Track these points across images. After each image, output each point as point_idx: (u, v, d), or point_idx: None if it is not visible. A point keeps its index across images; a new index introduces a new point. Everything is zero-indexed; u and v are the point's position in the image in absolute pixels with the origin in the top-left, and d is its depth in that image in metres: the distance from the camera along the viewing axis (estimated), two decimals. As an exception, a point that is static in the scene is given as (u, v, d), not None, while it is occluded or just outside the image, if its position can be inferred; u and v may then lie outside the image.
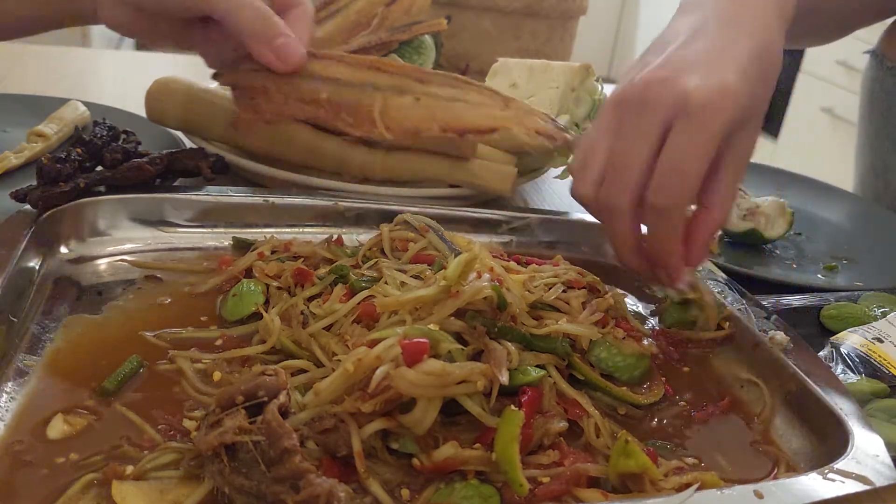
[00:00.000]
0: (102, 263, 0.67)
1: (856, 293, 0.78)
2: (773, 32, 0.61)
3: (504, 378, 0.49)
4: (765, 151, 3.78)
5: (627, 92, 0.58)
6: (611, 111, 0.59)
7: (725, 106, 0.54)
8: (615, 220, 0.59)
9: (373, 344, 0.48)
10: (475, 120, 0.77)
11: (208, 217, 0.72)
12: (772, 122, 3.87)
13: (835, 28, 0.80)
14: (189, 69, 1.03)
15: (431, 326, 0.51)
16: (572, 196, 0.62)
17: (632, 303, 0.73)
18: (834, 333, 0.69)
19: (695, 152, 0.55)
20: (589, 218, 0.81)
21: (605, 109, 0.60)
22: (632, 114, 0.57)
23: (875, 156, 1.17)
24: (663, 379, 0.60)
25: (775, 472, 0.53)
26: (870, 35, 1.17)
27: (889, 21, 1.09)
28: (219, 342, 0.59)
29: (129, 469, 0.45)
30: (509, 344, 0.53)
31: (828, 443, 0.53)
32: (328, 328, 0.58)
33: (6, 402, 0.49)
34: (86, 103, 0.96)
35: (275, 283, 0.63)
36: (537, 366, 0.54)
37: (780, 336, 0.62)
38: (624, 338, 0.59)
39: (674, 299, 0.66)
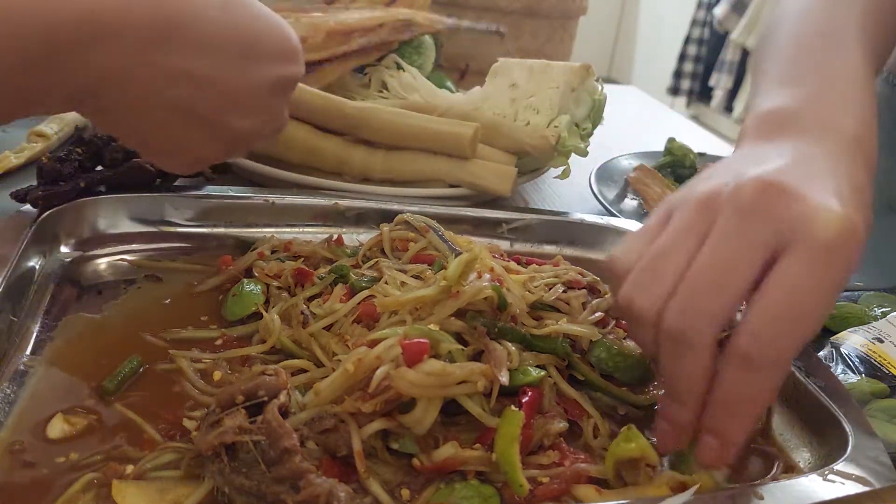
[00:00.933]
0: (102, 263, 0.67)
1: (856, 293, 0.78)
2: (870, 177, 0.52)
3: (504, 378, 0.49)
4: (765, 151, 3.78)
5: (735, 194, 0.44)
6: (695, 211, 0.45)
7: (853, 247, 0.44)
8: (692, 356, 0.44)
9: (373, 344, 0.48)
10: (358, 23, 0.77)
11: (208, 217, 0.72)
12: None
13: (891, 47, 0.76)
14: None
15: (432, 326, 0.51)
16: (625, 307, 0.47)
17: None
18: (834, 333, 0.69)
19: (819, 291, 0.42)
20: (589, 218, 0.82)
21: (684, 209, 0.46)
22: (739, 220, 0.43)
23: (879, 171, 1.16)
24: (663, 379, 0.59)
25: (775, 472, 0.53)
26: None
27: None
28: (219, 342, 0.59)
29: (130, 469, 0.45)
30: (509, 344, 0.53)
31: (828, 443, 0.53)
32: (328, 328, 0.58)
33: (6, 401, 0.49)
34: (86, 103, 0.96)
35: (275, 283, 0.63)
36: (537, 366, 0.54)
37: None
38: (625, 338, 0.59)
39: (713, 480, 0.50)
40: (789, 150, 0.49)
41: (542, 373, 0.53)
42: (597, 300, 0.61)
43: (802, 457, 0.54)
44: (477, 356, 0.52)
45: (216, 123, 0.55)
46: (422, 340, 0.47)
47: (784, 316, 0.42)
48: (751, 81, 0.60)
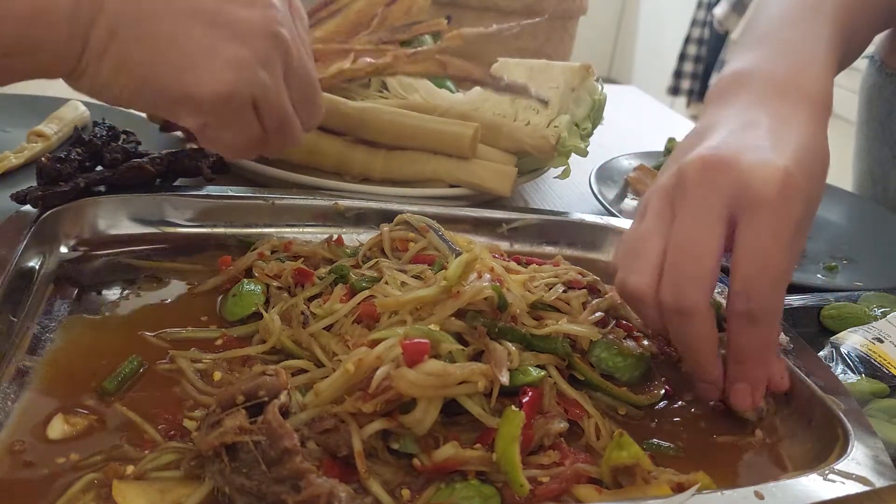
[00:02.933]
0: (102, 263, 0.67)
1: (856, 293, 0.78)
2: (821, 127, 0.57)
3: (504, 378, 0.49)
4: (764, 151, 3.78)
5: (681, 176, 0.51)
6: (659, 198, 0.53)
7: (794, 190, 0.49)
8: (694, 322, 0.50)
9: (373, 344, 0.48)
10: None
11: (208, 217, 0.72)
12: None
13: (866, 42, 0.78)
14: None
15: (432, 327, 0.51)
16: (621, 291, 0.55)
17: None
18: (834, 333, 0.69)
19: (779, 244, 0.48)
20: (589, 218, 0.82)
21: (653, 198, 0.54)
22: (692, 198, 0.50)
23: (873, 161, 1.16)
24: (663, 379, 0.59)
25: (775, 472, 0.53)
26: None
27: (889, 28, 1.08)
28: (219, 342, 0.59)
29: (130, 469, 0.45)
30: (509, 344, 0.53)
31: (828, 443, 0.53)
32: (328, 328, 0.58)
33: (6, 402, 0.49)
34: (86, 103, 0.96)
35: (275, 283, 0.63)
36: (537, 366, 0.54)
37: (781, 336, 0.62)
38: (625, 338, 0.59)
39: (751, 419, 0.57)
40: (737, 116, 0.55)
41: (543, 373, 0.53)
42: (597, 300, 0.61)
43: (802, 456, 0.54)
44: (477, 356, 0.52)
45: (223, 16, 0.53)
46: (422, 341, 0.47)
47: (760, 273, 0.48)
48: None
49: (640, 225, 0.54)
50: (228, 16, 0.54)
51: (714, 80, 0.62)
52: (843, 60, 0.65)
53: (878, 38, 1.14)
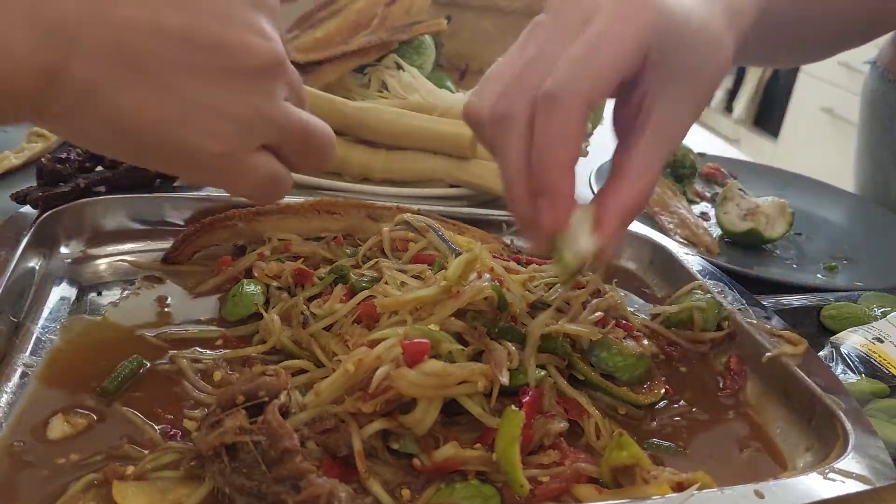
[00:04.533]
0: (102, 264, 0.67)
1: (856, 293, 0.78)
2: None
3: (504, 379, 0.49)
4: (765, 151, 3.79)
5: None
6: (526, 31, 0.51)
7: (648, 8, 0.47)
8: (508, 131, 0.48)
9: (373, 344, 0.48)
10: None
11: (208, 217, 0.72)
12: (772, 122, 3.88)
13: (819, 47, 0.76)
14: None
15: (432, 327, 0.51)
16: (464, 116, 0.52)
17: (632, 303, 0.73)
18: (834, 333, 0.69)
19: (612, 37, 0.46)
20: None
21: (522, 34, 0.51)
22: (548, 20, 0.49)
23: (876, 166, 1.17)
24: (663, 379, 0.60)
25: (775, 471, 0.53)
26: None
27: (890, 34, 1.08)
28: (219, 342, 0.59)
29: (130, 469, 0.45)
30: (509, 344, 0.53)
31: (828, 443, 0.53)
32: (328, 328, 0.58)
33: (6, 402, 0.49)
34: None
35: (275, 283, 0.63)
36: (538, 366, 0.54)
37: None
38: (625, 337, 0.59)
39: (560, 276, 0.54)
40: None
41: (543, 373, 0.53)
42: (597, 300, 0.61)
43: (803, 456, 0.54)
44: (477, 356, 0.52)
45: (214, 43, 0.42)
46: (422, 340, 0.47)
47: (581, 56, 0.46)
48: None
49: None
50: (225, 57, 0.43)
51: None
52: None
53: (881, 45, 1.14)
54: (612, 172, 0.51)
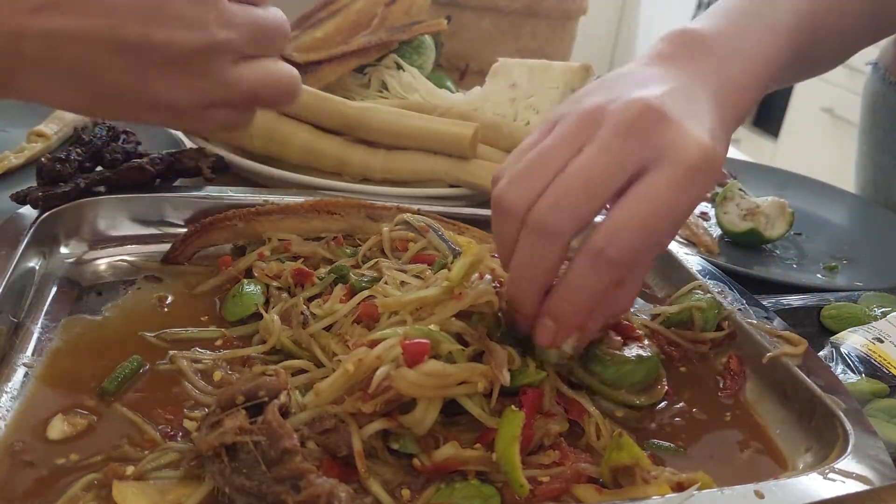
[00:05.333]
0: (102, 263, 0.67)
1: (856, 293, 0.78)
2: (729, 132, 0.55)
3: (505, 379, 0.49)
4: (765, 151, 3.78)
5: (614, 111, 0.48)
6: (577, 122, 0.49)
7: (712, 175, 0.48)
8: (548, 245, 0.47)
9: (373, 344, 0.48)
10: None
11: (208, 217, 0.72)
12: (772, 122, 3.87)
13: (833, 59, 0.75)
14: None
15: (432, 327, 0.51)
16: (499, 199, 0.51)
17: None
18: (834, 333, 0.69)
19: (675, 205, 0.46)
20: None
21: (569, 118, 0.50)
22: (615, 138, 0.47)
23: (876, 169, 1.16)
24: (664, 380, 0.59)
25: (775, 471, 0.53)
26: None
27: (891, 36, 1.08)
28: (219, 342, 0.59)
29: (130, 469, 0.45)
30: (510, 348, 0.53)
31: (828, 443, 0.53)
32: (328, 328, 0.58)
33: (6, 402, 0.49)
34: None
35: (275, 283, 0.63)
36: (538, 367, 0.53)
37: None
38: (624, 342, 0.58)
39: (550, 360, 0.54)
40: (676, 80, 0.52)
41: (543, 373, 0.53)
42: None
43: (802, 456, 0.54)
44: (477, 357, 0.52)
45: (140, 43, 0.43)
46: (422, 341, 0.47)
47: (639, 224, 0.46)
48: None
49: (544, 140, 0.50)
50: (147, 44, 0.44)
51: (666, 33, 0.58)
52: (801, 55, 0.62)
53: (882, 46, 1.14)
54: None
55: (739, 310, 0.66)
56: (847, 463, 0.49)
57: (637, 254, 0.46)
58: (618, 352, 0.57)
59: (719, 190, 0.97)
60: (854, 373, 0.63)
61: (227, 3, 0.46)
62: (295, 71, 0.52)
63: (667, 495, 0.45)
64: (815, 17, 0.63)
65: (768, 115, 3.95)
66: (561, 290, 0.49)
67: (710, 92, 0.53)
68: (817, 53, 0.67)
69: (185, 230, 0.69)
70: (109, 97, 0.46)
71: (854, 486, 0.47)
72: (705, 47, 0.55)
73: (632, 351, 0.58)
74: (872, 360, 0.63)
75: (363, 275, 0.62)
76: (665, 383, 0.59)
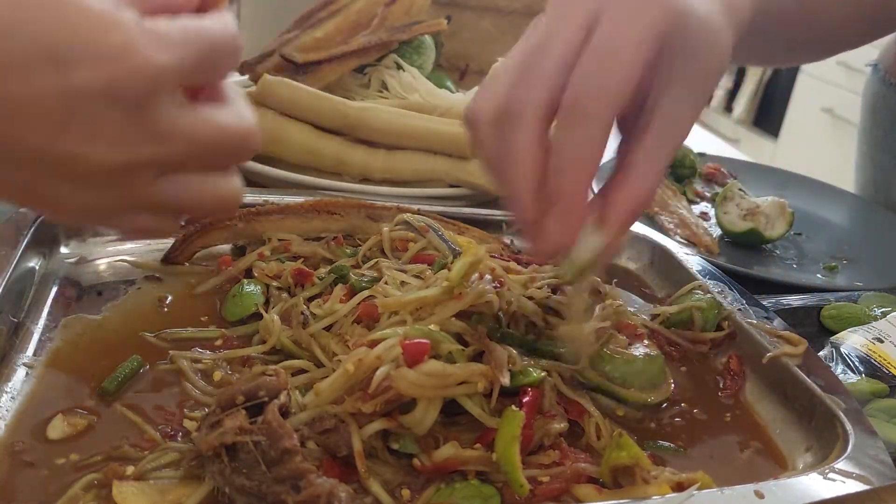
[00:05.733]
0: (102, 264, 0.67)
1: (856, 293, 0.78)
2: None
3: (506, 379, 0.48)
4: (765, 151, 3.78)
5: None
6: (529, 30, 0.47)
7: (723, 67, 0.47)
8: (517, 128, 0.44)
9: (373, 344, 0.48)
10: None
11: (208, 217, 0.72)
12: (772, 122, 3.88)
13: (816, 48, 0.74)
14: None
15: (432, 327, 0.51)
16: (465, 117, 0.48)
17: (632, 303, 0.73)
18: (834, 333, 0.69)
19: (632, 36, 0.43)
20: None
21: (525, 34, 0.48)
22: (552, 16, 0.45)
23: (876, 169, 1.16)
24: (671, 380, 0.59)
25: (775, 471, 0.53)
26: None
27: (890, 36, 1.08)
28: (219, 342, 0.59)
29: (130, 469, 0.45)
30: (510, 348, 0.53)
31: (828, 443, 0.53)
32: (328, 328, 0.58)
33: (6, 402, 0.49)
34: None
35: (275, 284, 0.63)
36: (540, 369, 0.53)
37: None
38: (630, 344, 0.58)
39: (565, 275, 0.53)
40: None
41: (543, 374, 0.53)
42: (600, 307, 0.60)
43: (802, 456, 0.54)
44: (477, 357, 0.52)
45: (42, 158, 0.36)
46: (422, 341, 0.47)
47: (603, 59, 0.43)
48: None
49: (536, 34, 0.47)
50: (54, 156, 0.35)
51: None
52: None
53: (883, 46, 1.14)
54: (617, 169, 0.49)
55: (739, 310, 0.66)
56: (847, 463, 0.49)
57: (608, 96, 0.43)
58: (626, 350, 0.57)
59: (719, 190, 0.97)
60: (854, 373, 0.63)
61: (163, 112, 0.37)
62: (237, 185, 0.43)
63: (667, 495, 0.45)
64: None
65: (768, 115, 3.95)
66: (555, 169, 0.45)
67: None
68: (800, 27, 0.66)
69: (185, 230, 0.69)
70: (15, 199, 0.38)
71: (854, 486, 0.47)
72: None
73: (638, 350, 0.58)
74: (872, 360, 0.63)
75: (363, 275, 0.62)
76: (671, 381, 0.59)
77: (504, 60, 0.48)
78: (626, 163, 0.48)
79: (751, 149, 3.78)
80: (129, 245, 0.69)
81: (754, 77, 4.07)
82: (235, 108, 0.41)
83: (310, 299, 0.61)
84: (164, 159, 0.38)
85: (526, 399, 0.50)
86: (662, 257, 0.77)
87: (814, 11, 0.66)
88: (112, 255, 0.68)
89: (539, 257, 0.49)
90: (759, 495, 0.45)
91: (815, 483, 0.47)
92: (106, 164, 0.36)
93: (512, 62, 0.46)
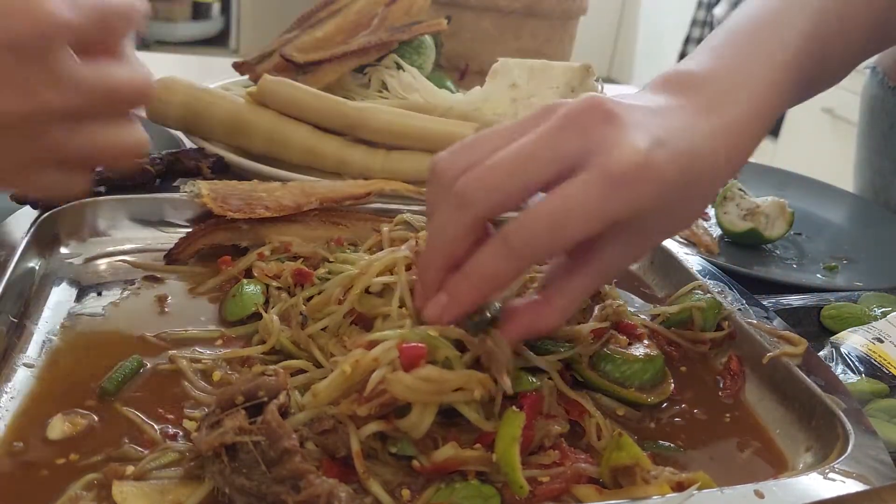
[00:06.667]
0: (102, 264, 0.67)
1: (856, 293, 0.78)
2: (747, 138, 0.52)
3: (508, 386, 0.48)
4: (765, 151, 3.78)
5: (563, 103, 0.47)
6: (535, 113, 0.48)
7: (640, 186, 0.44)
8: (457, 215, 0.46)
9: (371, 345, 0.48)
10: (348, 189, 0.75)
11: (208, 218, 0.72)
12: (772, 122, 3.87)
13: (841, 72, 0.72)
14: (189, 69, 1.03)
15: (431, 332, 0.50)
16: (431, 167, 0.50)
17: (632, 303, 0.73)
18: (834, 333, 0.69)
19: (587, 210, 0.44)
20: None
21: (537, 112, 0.49)
22: (555, 124, 0.46)
23: (875, 172, 1.16)
24: (671, 380, 0.59)
25: (775, 471, 0.53)
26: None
27: None
28: (219, 342, 0.59)
29: (130, 469, 0.45)
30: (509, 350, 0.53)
31: (828, 443, 0.53)
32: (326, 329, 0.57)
33: (6, 402, 0.49)
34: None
35: (275, 284, 0.63)
36: (538, 370, 0.53)
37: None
38: (629, 344, 0.58)
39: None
40: (658, 100, 0.50)
41: (537, 383, 0.52)
42: (600, 307, 0.61)
43: (802, 456, 0.54)
44: (475, 364, 0.51)
45: None
46: (419, 345, 0.46)
47: (548, 221, 0.44)
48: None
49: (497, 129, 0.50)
50: None
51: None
52: (807, 80, 0.60)
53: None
54: (541, 290, 0.51)
55: (739, 310, 0.66)
56: (847, 463, 0.49)
57: (538, 248, 0.45)
58: (626, 350, 0.57)
59: (719, 190, 0.97)
60: (854, 373, 0.63)
61: (65, 62, 0.40)
62: (140, 133, 0.47)
63: (667, 495, 0.45)
64: (820, 39, 0.60)
65: (768, 115, 3.94)
66: (463, 266, 0.47)
67: (688, 115, 0.50)
68: (822, 76, 0.64)
69: (186, 230, 0.69)
70: None
71: (854, 486, 0.47)
72: (694, 85, 0.53)
73: (638, 350, 0.58)
74: (872, 360, 0.63)
75: (363, 275, 0.62)
76: (671, 381, 0.59)
77: (492, 132, 0.49)
78: (552, 290, 0.49)
79: (751, 149, 3.77)
80: (129, 245, 0.69)
81: (754, 77, 4.06)
82: (130, 63, 0.45)
83: (309, 299, 0.61)
84: (66, 108, 0.41)
85: (526, 400, 0.50)
86: (662, 257, 0.77)
87: (835, 51, 0.65)
88: (112, 255, 0.68)
89: (416, 313, 0.51)
90: (759, 495, 0.45)
91: (815, 483, 0.47)
92: (12, 113, 0.39)
93: (494, 144, 0.47)
